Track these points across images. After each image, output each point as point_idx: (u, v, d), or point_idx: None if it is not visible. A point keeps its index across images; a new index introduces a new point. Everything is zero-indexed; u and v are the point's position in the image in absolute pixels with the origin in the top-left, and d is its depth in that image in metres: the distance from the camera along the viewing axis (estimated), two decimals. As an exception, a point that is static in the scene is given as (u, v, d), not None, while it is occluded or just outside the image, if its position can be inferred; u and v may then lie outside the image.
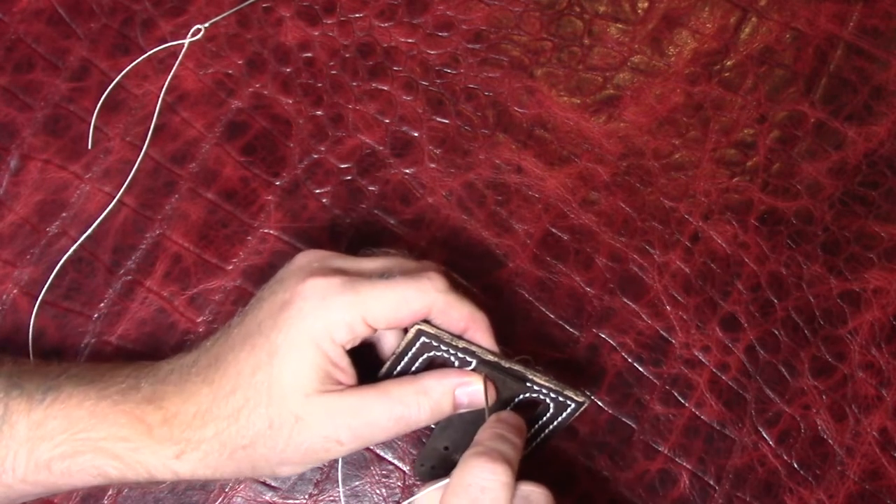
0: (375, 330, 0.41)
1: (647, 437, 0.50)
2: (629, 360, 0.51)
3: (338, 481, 0.48)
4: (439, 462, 0.44)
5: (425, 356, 0.43)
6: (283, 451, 0.40)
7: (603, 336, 0.51)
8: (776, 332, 0.52)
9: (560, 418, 0.45)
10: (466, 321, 0.42)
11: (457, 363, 0.42)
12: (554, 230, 0.52)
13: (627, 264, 0.52)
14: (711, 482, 0.50)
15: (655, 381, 0.51)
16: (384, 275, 0.41)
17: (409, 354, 0.42)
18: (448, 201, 0.52)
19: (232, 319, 0.43)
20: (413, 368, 0.43)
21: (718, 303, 0.52)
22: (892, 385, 0.52)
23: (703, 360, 0.51)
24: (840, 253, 0.53)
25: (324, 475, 0.48)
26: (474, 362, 0.42)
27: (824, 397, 0.51)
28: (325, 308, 0.39)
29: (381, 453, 0.49)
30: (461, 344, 0.42)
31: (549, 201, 0.53)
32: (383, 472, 0.49)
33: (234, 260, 0.50)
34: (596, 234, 0.52)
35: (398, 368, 0.43)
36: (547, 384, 0.43)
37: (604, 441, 0.50)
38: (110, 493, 0.47)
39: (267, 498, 0.48)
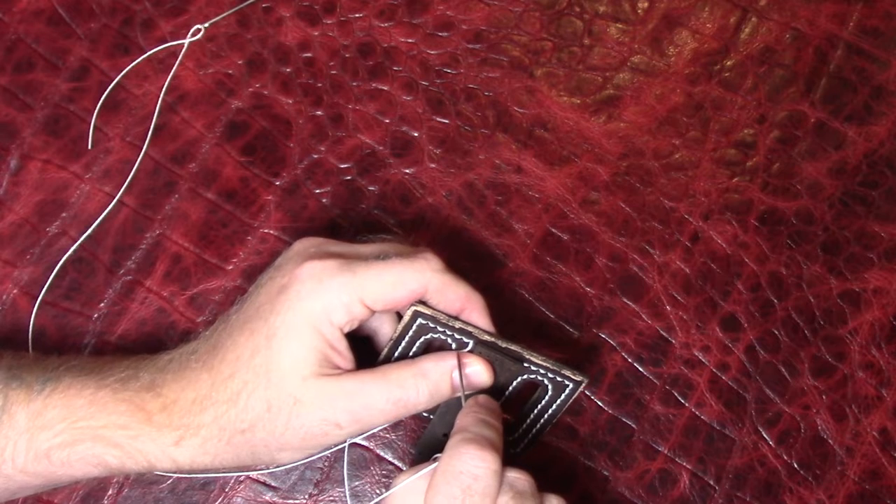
0: (373, 312, 0.41)
1: (647, 437, 0.50)
2: (629, 360, 0.51)
3: (338, 481, 0.48)
4: (439, 450, 0.44)
5: (423, 339, 0.43)
6: (282, 436, 0.40)
7: (603, 336, 0.51)
8: (776, 332, 0.52)
9: (559, 400, 0.45)
10: (463, 301, 0.42)
11: (454, 345, 0.43)
12: (554, 230, 0.52)
13: (627, 264, 0.52)
14: (711, 482, 0.50)
15: (655, 381, 0.51)
16: (380, 256, 0.41)
17: (407, 337, 0.43)
18: (448, 201, 0.52)
19: (231, 307, 0.43)
20: (411, 352, 0.43)
21: (718, 303, 0.52)
22: (892, 385, 0.52)
23: (703, 360, 0.51)
24: (840, 253, 0.53)
25: (324, 475, 0.48)
26: (471, 343, 0.42)
27: (824, 397, 0.51)
28: (322, 290, 0.39)
29: (381, 453, 0.49)
30: (458, 324, 0.42)
31: (549, 201, 0.53)
32: (383, 472, 0.49)
33: (234, 260, 0.50)
34: (596, 234, 0.52)
35: (396, 353, 0.43)
36: (544, 363, 0.43)
37: (604, 441, 0.50)
38: (110, 493, 0.47)
39: (267, 498, 0.48)
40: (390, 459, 0.49)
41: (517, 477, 0.39)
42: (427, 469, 0.39)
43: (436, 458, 0.39)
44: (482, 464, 0.37)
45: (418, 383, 0.41)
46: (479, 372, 0.42)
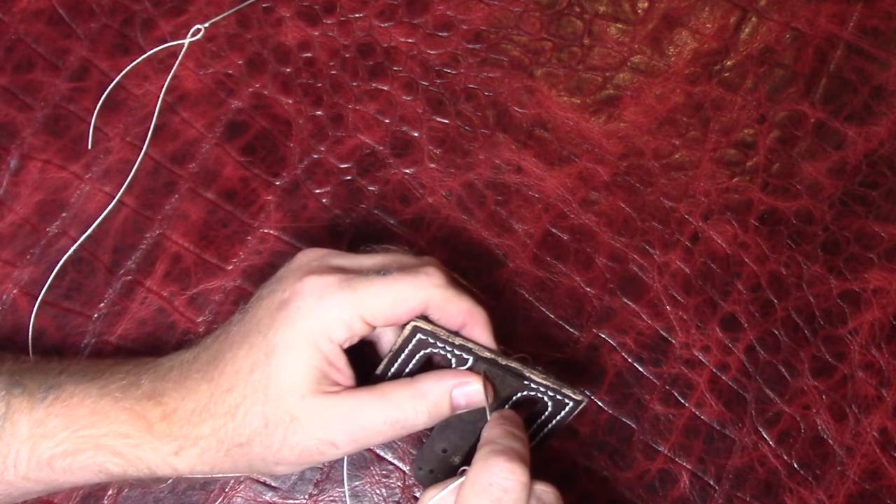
0: (374, 327, 0.41)
1: (647, 437, 0.50)
2: (629, 360, 0.51)
3: (338, 481, 0.48)
4: (438, 465, 0.44)
5: (422, 353, 0.42)
6: (279, 451, 0.40)
7: (603, 336, 0.51)
8: (776, 332, 0.52)
9: (558, 417, 0.44)
10: (464, 317, 0.41)
11: (454, 360, 0.42)
12: (554, 230, 0.52)
13: (627, 264, 0.52)
14: (711, 482, 0.50)
15: (655, 381, 0.51)
16: (381, 271, 0.41)
17: (406, 352, 0.42)
18: (448, 201, 0.52)
19: (233, 317, 0.43)
20: (410, 366, 0.43)
21: (718, 303, 0.52)
22: (892, 385, 0.52)
23: (703, 360, 0.51)
24: (840, 253, 0.53)
25: (324, 475, 0.48)
26: (471, 359, 0.42)
27: (824, 397, 0.51)
28: (322, 307, 0.39)
29: (382, 453, 0.49)
30: (458, 341, 0.41)
31: (549, 201, 0.53)
32: (383, 472, 0.49)
33: (234, 260, 0.50)
34: (596, 234, 0.52)
35: (395, 366, 0.43)
36: (545, 382, 0.43)
37: (604, 441, 0.50)
38: (110, 493, 0.47)
39: (267, 498, 0.48)
40: (390, 459, 0.49)
41: (545, 490, 0.39)
42: (455, 484, 0.39)
43: (463, 471, 0.39)
44: (512, 476, 0.37)
45: (417, 404, 0.40)
46: (478, 391, 0.42)
